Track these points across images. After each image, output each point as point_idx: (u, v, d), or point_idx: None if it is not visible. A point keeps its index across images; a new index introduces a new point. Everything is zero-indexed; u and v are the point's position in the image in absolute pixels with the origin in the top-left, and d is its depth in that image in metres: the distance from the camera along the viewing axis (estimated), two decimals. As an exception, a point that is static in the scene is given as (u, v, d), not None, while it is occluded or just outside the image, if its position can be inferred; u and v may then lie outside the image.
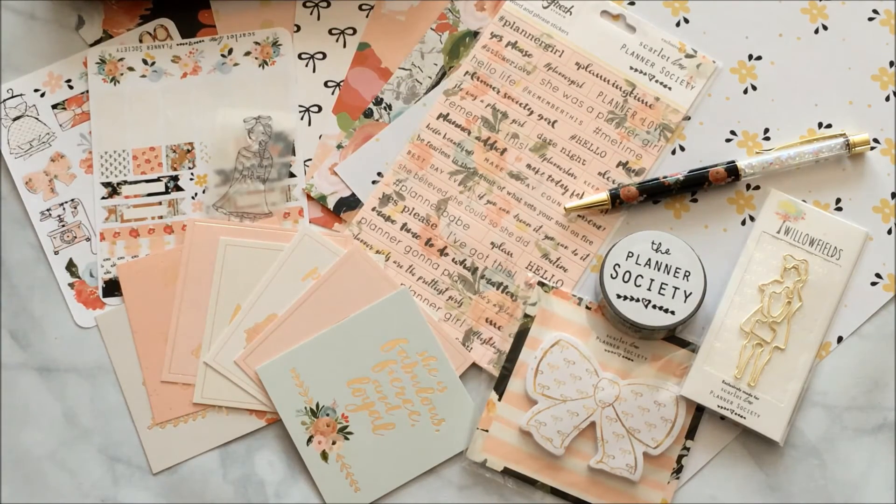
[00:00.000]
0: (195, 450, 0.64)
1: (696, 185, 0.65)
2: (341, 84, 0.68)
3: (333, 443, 0.63)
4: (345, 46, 0.69)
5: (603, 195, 0.65)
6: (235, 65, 0.69)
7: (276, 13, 0.69)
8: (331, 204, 0.67)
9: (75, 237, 0.67)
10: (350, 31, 0.69)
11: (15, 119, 0.68)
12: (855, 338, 0.64)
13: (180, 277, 0.65)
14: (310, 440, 0.63)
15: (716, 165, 0.65)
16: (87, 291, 0.66)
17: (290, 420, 0.63)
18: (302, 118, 0.68)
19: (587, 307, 0.64)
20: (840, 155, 0.65)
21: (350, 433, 0.63)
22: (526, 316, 0.64)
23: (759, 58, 0.68)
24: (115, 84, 0.68)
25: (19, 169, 0.67)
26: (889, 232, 0.65)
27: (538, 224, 0.66)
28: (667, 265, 0.62)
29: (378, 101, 0.68)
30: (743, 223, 0.66)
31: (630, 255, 0.62)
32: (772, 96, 0.67)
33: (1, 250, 0.67)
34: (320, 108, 0.68)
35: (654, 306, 0.61)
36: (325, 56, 0.69)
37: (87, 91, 0.68)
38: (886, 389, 0.64)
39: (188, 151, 0.68)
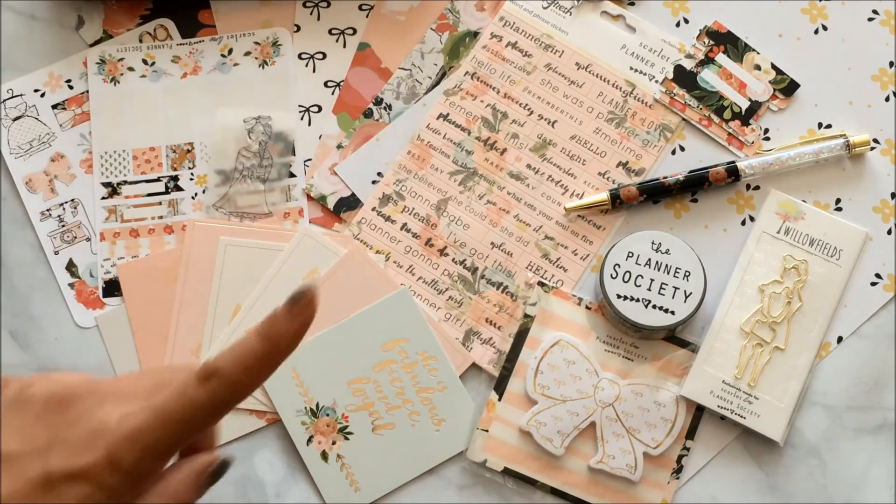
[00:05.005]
0: (195, 450, 0.64)
1: (696, 185, 0.65)
2: (341, 84, 0.68)
3: (333, 443, 0.63)
4: (345, 46, 0.69)
5: (603, 195, 0.65)
6: (235, 65, 0.69)
7: (276, 13, 0.69)
8: (331, 204, 0.67)
9: (75, 237, 0.67)
10: (350, 31, 0.69)
11: (15, 119, 0.68)
12: (855, 338, 0.64)
13: (180, 277, 0.65)
14: (310, 440, 0.63)
15: (716, 166, 0.65)
16: (87, 291, 0.66)
17: (290, 420, 0.63)
18: (302, 118, 0.68)
19: (587, 307, 0.64)
20: (840, 155, 0.65)
21: (350, 433, 0.63)
22: (526, 316, 0.64)
23: (758, 58, 0.68)
24: (115, 84, 0.68)
25: (19, 169, 0.67)
26: (889, 232, 0.65)
27: (538, 224, 0.66)
28: (667, 265, 0.62)
29: (378, 101, 0.68)
30: (743, 223, 0.66)
31: (630, 255, 0.62)
32: (772, 96, 0.67)
33: (1, 250, 0.67)
34: (320, 108, 0.68)
35: (654, 306, 0.61)
36: (325, 56, 0.69)
37: (87, 91, 0.68)
38: (886, 389, 0.64)
39: (188, 151, 0.68)
